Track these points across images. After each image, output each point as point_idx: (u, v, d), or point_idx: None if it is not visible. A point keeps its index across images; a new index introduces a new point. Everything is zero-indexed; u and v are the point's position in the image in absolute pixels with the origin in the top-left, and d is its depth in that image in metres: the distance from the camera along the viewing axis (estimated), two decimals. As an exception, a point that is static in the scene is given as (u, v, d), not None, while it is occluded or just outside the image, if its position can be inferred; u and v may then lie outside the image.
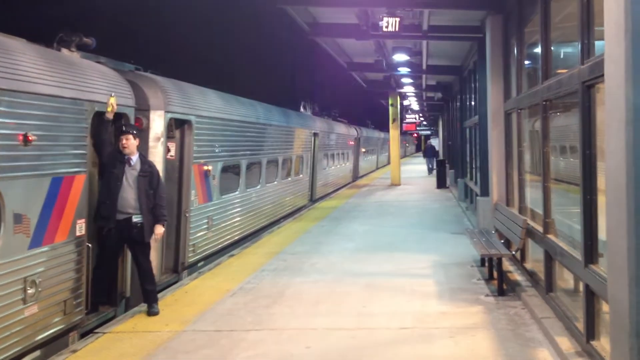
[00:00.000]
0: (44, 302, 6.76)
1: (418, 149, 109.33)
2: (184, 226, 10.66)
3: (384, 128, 44.32)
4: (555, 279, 7.90)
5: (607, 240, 5.12)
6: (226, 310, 8.23)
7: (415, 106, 44.51)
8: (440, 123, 45.31)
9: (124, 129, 8.05)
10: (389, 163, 41.16)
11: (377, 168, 48.68)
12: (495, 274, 9.31)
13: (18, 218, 6.29)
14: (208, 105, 11.81)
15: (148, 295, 8.12)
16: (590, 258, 6.05)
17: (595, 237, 6.03)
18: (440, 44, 17.83)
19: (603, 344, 5.76)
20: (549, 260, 7.94)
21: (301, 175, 21.13)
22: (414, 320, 7.66)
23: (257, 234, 15.11)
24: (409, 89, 30.34)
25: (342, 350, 6.72)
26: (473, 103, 18.18)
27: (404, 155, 67.91)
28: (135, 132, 8.11)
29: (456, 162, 26.12)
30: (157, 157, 9.48)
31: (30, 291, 6.50)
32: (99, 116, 7.88)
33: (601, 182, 5.83)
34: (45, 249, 6.79)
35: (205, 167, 11.50)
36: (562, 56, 8.39)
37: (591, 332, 6.01)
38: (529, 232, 8.84)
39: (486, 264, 9.88)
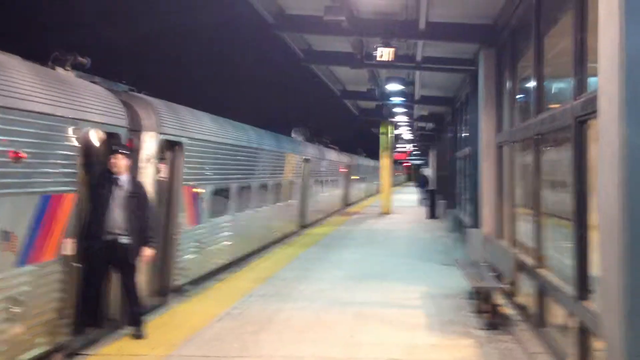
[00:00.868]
0: (28, 321, 6.64)
1: (409, 179, 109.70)
2: (172, 248, 10.55)
3: (376, 156, 44.41)
4: (547, 313, 7.86)
5: (600, 277, 5.09)
6: (213, 335, 8.13)
7: (407, 135, 44.67)
8: (432, 153, 45.48)
9: (113, 148, 8.00)
10: (380, 191, 41.19)
11: (368, 196, 48.65)
12: (486, 307, 9.25)
13: (5, 235, 6.20)
14: (200, 127, 11.78)
15: (134, 318, 8.01)
16: (582, 294, 6.03)
17: (588, 273, 6.01)
18: (433, 75, 17.98)
19: (594, 381, 5.72)
20: (540, 294, 7.91)
21: (292, 201, 21.07)
22: (403, 352, 7.58)
23: (246, 258, 15.00)
24: (401, 119, 30.47)
25: (329, 380, 6.63)
26: (465, 134, 18.27)
27: (395, 184, 67.94)
28: (125, 152, 8.07)
29: (447, 193, 26.15)
30: (147, 177, 9.42)
31: (14, 310, 6.38)
32: (91, 135, 7.83)
33: (593, 218, 5.82)
34: (31, 267, 6.68)
35: (195, 190, 11.43)
36: (554, 91, 8.45)
37: (583, 368, 5.96)
38: (521, 266, 8.81)
39: (477, 297, 9.82)
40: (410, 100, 22.83)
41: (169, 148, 10.58)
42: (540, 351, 7.33)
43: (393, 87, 18.76)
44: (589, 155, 6.11)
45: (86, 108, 7.71)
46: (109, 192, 7.80)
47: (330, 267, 13.67)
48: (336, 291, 11.08)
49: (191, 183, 11.20)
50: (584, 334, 5.98)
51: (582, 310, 5.93)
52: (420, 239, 19.69)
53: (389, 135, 31.16)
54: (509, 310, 9.60)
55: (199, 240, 11.73)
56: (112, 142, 8.34)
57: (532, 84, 8.63)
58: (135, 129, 9.29)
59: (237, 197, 14.32)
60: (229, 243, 13.75)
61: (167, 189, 10.54)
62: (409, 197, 46.82)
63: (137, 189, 8.04)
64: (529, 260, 8.53)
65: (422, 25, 11.34)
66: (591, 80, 6.07)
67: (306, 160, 23.10)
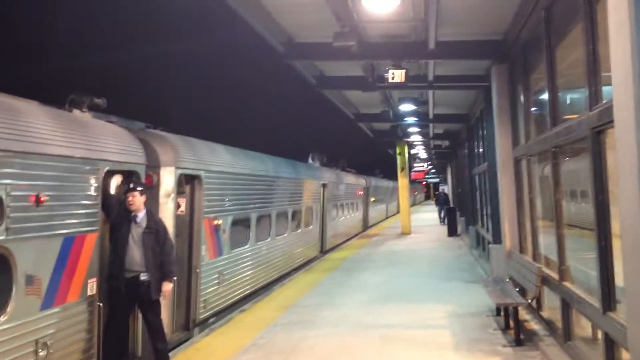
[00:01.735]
0: (55, 364, 6.67)
1: (427, 197, 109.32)
2: (194, 282, 10.58)
3: (393, 177, 44.32)
4: (573, 327, 7.76)
5: (625, 287, 5.04)
6: (239, 368, 8.10)
7: (423, 154, 44.61)
8: (449, 170, 45.33)
9: (130, 186, 8.08)
10: (398, 212, 41.01)
11: (387, 217, 48.50)
12: (511, 323, 9.16)
13: (29, 279, 6.26)
14: (217, 159, 11.87)
15: (159, 355, 8.01)
16: (608, 305, 5.95)
17: (612, 283, 5.94)
18: (446, 93, 18.00)
19: (625, 393, 5.62)
20: (565, 308, 7.81)
21: (311, 227, 21.07)
22: (431, 373, 7.51)
23: (268, 287, 14.98)
24: (416, 138, 30.46)
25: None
26: (481, 150, 18.21)
27: (413, 203, 67.73)
28: (141, 188, 8.15)
29: (467, 210, 26.02)
30: (167, 212, 9.49)
31: (41, 353, 6.42)
32: (110, 175, 7.93)
33: (615, 227, 5.77)
34: (56, 309, 6.73)
35: (216, 222, 11.48)
36: (569, 102, 8.43)
37: (613, 381, 5.86)
38: (545, 280, 8.72)
39: (502, 313, 9.72)
40: (424, 120, 22.82)
41: (188, 182, 10.67)
42: (570, 366, 7.23)
43: (406, 107, 18.77)
44: (608, 165, 6.06)
45: (104, 148, 7.81)
46: (127, 230, 7.86)
47: (352, 291, 13.61)
48: (360, 315, 11.02)
49: (211, 215, 11.26)
50: (611, 346, 5.89)
51: (608, 321, 5.85)
52: (442, 258, 19.57)
53: (405, 155, 31.15)
54: (534, 326, 9.50)
55: (221, 271, 11.75)
56: (129, 180, 8.43)
57: (546, 96, 8.61)
58: (154, 165, 9.38)
59: (257, 227, 14.35)
60: (251, 273, 13.76)
61: (187, 222, 10.61)
62: (429, 215, 46.65)
63: (154, 225, 8.10)
64: (552, 274, 8.44)
65: (431, 45, 11.38)
66: (606, 89, 6.04)
67: (324, 186, 23.12)
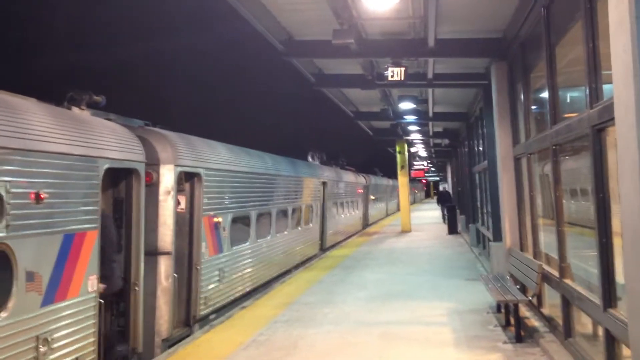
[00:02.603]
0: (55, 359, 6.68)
1: (427, 195, 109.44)
2: (195, 279, 10.60)
3: (393, 175, 44.33)
4: (574, 323, 7.77)
5: (626, 284, 5.04)
6: (239, 365, 8.11)
7: (422, 153, 44.62)
8: (449, 169, 45.34)
9: None
10: (398, 210, 41.01)
11: (387, 215, 48.53)
12: (512, 320, 9.17)
13: (30, 276, 6.27)
14: (216, 157, 11.87)
15: None
16: (608, 302, 5.95)
17: (613, 280, 5.94)
18: (446, 91, 17.99)
19: (626, 389, 5.63)
20: (566, 305, 7.82)
21: (311, 225, 21.08)
22: (431, 370, 7.51)
23: (268, 284, 14.99)
24: (416, 136, 30.46)
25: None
26: (481, 148, 18.21)
27: (413, 201, 67.80)
28: None
29: (467, 208, 26.03)
30: (167, 210, 9.50)
31: (42, 349, 6.43)
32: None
33: (616, 224, 5.77)
34: (57, 306, 6.74)
35: (216, 219, 11.49)
36: (569, 100, 8.42)
37: (613, 378, 5.87)
38: (545, 277, 8.73)
39: (502, 310, 9.73)
40: (424, 118, 22.81)
41: (188, 179, 10.67)
42: (570, 363, 7.24)
43: (406, 105, 18.74)
44: (609, 162, 6.06)
45: (103, 146, 7.81)
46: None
47: (353, 289, 13.61)
48: (360, 313, 11.03)
49: (211, 213, 11.27)
50: (612, 342, 5.90)
51: (608, 318, 5.86)
52: (442, 256, 19.58)
53: (405, 153, 31.15)
54: (535, 322, 9.50)
55: (221, 269, 11.76)
56: (129, 177, 8.44)
57: (546, 94, 8.61)
58: (153, 163, 9.39)
59: (257, 224, 14.36)
60: (251, 270, 13.77)
61: (187, 219, 10.63)
62: (429, 213, 46.67)
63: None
64: (553, 271, 8.45)
65: (431, 42, 11.36)
66: (606, 87, 6.04)
67: (324, 184, 23.13)
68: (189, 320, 10.51)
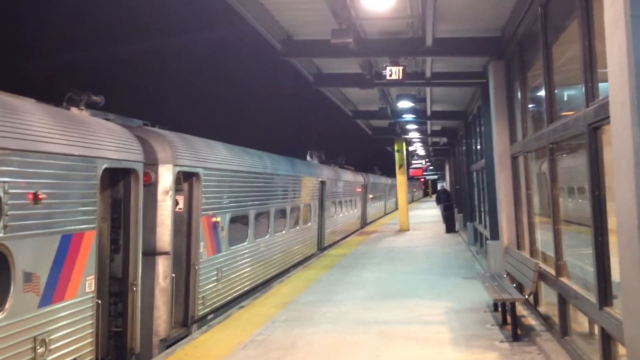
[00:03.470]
0: (54, 360, 6.69)
1: (425, 194, 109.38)
2: (193, 279, 10.61)
3: (391, 174, 44.36)
4: (570, 322, 7.79)
5: (621, 282, 5.06)
6: (238, 364, 8.12)
7: (421, 151, 44.64)
8: (447, 167, 45.36)
9: None
10: (396, 209, 41.02)
11: (385, 214, 48.54)
12: (509, 319, 9.19)
13: (28, 277, 6.28)
14: (215, 157, 11.89)
15: None
16: (604, 300, 5.97)
17: (609, 278, 5.96)
18: (444, 90, 18.02)
19: (622, 387, 5.64)
20: (562, 303, 7.84)
21: (309, 224, 21.10)
22: (429, 369, 7.53)
23: (266, 283, 15.01)
24: (414, 135, 30.48)
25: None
26: (479, 147, 18.24)
27: (411, 200, 67.81)
28: None
29: (464, 206, 26.05)
30: (165, 210, 9.51)
31: (39, 350, 6.44)
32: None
33: (612, 222, 5.79)
34: (55, 306, 6.75)
35: (214, 219, 11.51)
36: (566, 99, 8.44)
37: (609, 376, 5.89)
38: (542, 276, 8.75)
39: (499, 309, 9.75)
40: (422, 117, 22.82)
41: (186, 179, 10.69)
42: (566, 360, 7.26)
43: (404, 104, 18.75)
44: (605, 161, 6.08)
45: (102, 146, 7.83)
46: None
47: (351, 288, 13.63)
48: (359, 312, 11.04)
49: (209, 212, 11.28)
50: (608, 341, 5.92)
51: (604, 317, 5.88)
52: (440, 254, 19.60)
53: (404, 152, 31.16)
54: (532, 321, 9.52)
55: (220, 268, 11.78)
56: (127, 177, 8.45)
57: (542, 93, 8.63)
58: (151, 163, 9.41)
59: (255, 224, 14.38)
60: (250, 269, 13.79)
61: (185, 219, 10.64)
62: (427, 212, 46.68)
63: None
64: (549, 270, 8.47)
65: (429, 41, 11.38)
66: (602, 86, 6.06)
67: (322, 183, 23.15)
68: (187, 320, 10.53)
